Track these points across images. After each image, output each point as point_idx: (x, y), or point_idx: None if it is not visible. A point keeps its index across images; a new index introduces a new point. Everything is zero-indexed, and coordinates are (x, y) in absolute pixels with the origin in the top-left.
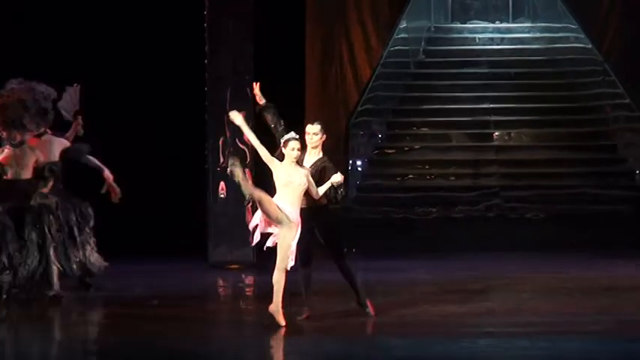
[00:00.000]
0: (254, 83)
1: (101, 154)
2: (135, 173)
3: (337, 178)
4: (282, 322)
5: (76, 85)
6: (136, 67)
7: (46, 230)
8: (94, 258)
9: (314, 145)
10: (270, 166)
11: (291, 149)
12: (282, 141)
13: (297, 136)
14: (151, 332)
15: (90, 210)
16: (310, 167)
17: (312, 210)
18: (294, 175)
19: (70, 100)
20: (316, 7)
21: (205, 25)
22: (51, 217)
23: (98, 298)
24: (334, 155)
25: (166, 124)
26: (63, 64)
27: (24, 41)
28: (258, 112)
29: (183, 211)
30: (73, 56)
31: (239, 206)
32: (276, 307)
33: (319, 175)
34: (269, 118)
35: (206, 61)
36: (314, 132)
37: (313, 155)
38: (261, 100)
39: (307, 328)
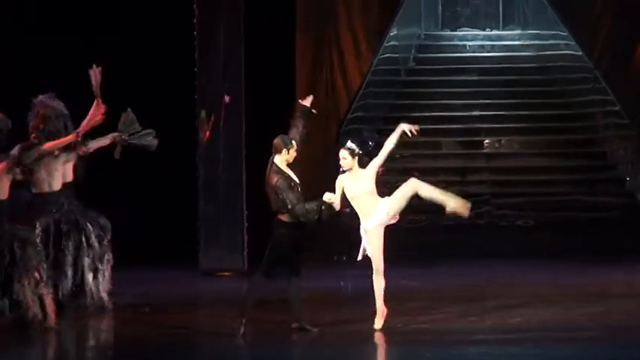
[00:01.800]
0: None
1: (92, 161)
2: (126, 179)
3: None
4: (378, 326)
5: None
6: (126, 74)
7: (83, 239)
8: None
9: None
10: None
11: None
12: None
13: (349, 146)
14: (142, 339)
15: (108, 223)
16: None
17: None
18: (357, 185)
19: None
20: (307, 14)
21: (195, 32)
22: (87, 225)
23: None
24: (324, 163)
25: (157, 131)
26: (55, 69)
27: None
28: (299, 111)
29: (174, 219)
30: (62, 62)
31: (230, 214)
32: (379, 311)
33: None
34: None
35: (196, 69)
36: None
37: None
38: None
39: (296, 337)
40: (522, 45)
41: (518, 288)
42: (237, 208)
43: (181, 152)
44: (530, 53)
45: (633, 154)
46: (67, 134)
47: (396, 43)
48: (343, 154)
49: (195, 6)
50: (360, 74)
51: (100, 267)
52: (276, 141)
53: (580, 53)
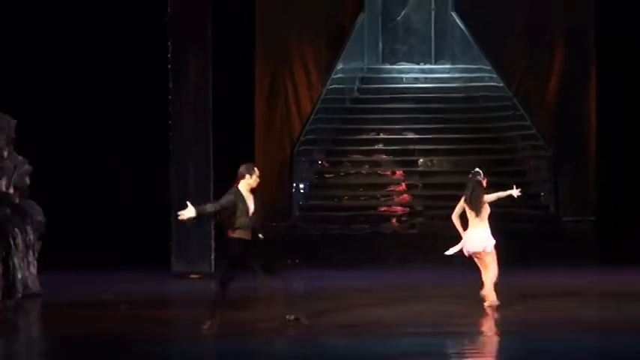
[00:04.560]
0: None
1: (80, 178)
2: (108, 193)
3: None
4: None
5: None
6: (110, 102)
7: (11, 241)
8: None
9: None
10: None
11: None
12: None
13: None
14: (120, 332)
15: (42, 219)
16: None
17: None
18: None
19: None
20: (264, 50)
21: (169, 65)
22: (15, 229)
23: (74, 302)
24: (280, 180)
25: (135, 153)
26: (37, 98)
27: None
28: None
29: (150, 228)
30: (49, 89)
31: (199, 223)
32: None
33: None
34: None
35: (170, 96)
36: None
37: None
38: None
39: (258, 330)
40: (452, 77)
41: (447, 288)
42: (206, 219)
43: (156, 170)
44: (458, 84)
45: (548, 172)
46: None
47: (343, 75)
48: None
49: (169, 43)
50: (311, 102)
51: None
52: (241, 169)
53: (501, 84)
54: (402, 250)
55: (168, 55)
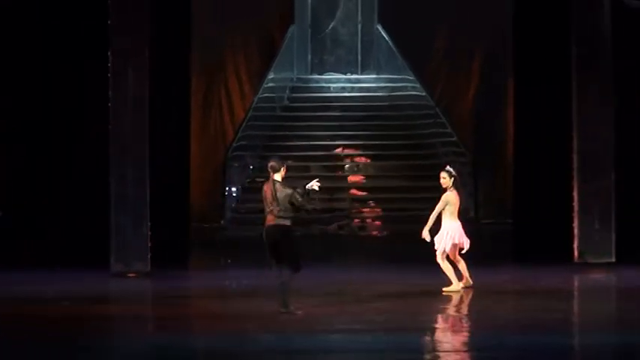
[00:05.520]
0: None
1: (19, 179)
2: (48, 195)
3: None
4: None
5: None
6: (52, 106)
7: None
8: None
9: None
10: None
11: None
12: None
13: (448, 169)
14: (62, 327)
15: None
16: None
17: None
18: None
19: None
20: (200, 62)
21: (109, 74)
22: None
23: (16, 298)
24: (213, 183)
25: (77, 154)
26: None
27: None
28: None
29: (90, 229)
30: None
31: (136, 225)
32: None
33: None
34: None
35: (109, 104)
36: None
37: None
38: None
39: (191, 326)
40: (377, 87)
41: (371, 287)
42: (143, 220)
43: (96, 173)
44: (383, 94)
45: (468, 177)
46: None
47: (273, 84)
48: (443, 174)
49: (109, 53)
50: (243, 110)
51: None
52: (273, 163)
53: (424, 94)
54: (328, 249)
55: (108, 65)
